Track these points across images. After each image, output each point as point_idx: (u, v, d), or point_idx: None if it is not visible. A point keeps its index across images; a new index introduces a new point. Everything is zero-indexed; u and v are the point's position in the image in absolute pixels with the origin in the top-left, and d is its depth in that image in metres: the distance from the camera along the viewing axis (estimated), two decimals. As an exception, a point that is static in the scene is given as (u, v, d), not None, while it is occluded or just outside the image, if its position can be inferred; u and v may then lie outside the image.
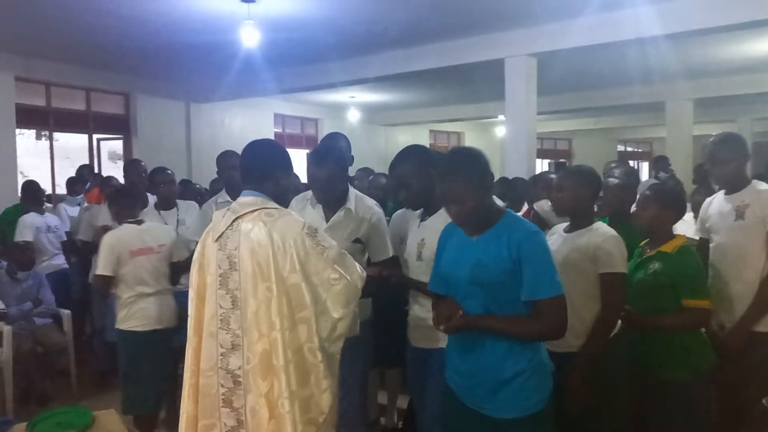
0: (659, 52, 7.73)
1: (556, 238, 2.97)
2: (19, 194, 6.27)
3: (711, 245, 3.27)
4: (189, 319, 2.42)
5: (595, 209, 3.69)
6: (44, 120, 9.23)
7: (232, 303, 2.29)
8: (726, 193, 3.26)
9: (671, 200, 3.00)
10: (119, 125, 10.13)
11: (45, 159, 17.03)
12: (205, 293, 2.37)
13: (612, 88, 11.56)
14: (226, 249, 2.32)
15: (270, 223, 2.26)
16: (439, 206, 2.71)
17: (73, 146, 14.69)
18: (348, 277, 2.29)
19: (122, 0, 5.93)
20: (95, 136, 10.03)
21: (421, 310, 2.85)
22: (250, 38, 6.27)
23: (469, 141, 18.21)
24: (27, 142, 12.22)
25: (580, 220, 2.88)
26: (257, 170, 2.42)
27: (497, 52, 7.31)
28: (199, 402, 2.32)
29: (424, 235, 2.80)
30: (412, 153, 2.93)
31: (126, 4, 6.03)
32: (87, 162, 9.06)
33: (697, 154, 16.07)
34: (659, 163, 7.66)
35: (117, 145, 10.90)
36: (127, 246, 3.72)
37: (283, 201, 2.48)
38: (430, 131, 17.19)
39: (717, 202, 3.31)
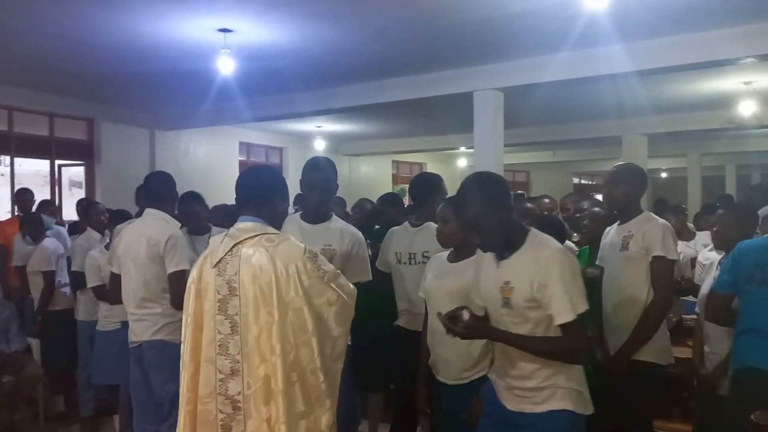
0: (618, 89, 8.10)
1: (437, 265, 3.00)
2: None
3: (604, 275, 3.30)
4: (183, 345, 2.41)
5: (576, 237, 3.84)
6: (6, 145, 9.03)
7: (231, 328, 2.30)
8: (618, 224, 3.28)
9: (553, 230, 3.05)
10: (82, 151, 9.95)
11: (-3, 185, 16.53)
12: (203, 319, 2.37)
13: (571, 123, 11.96)
14: (226, 274, 2.33)
15: (271, 249, 2.29)
16: (521, 242, 2.37)
17: (25, 172, 14.31)
18: (344, 296, 2.35)
19: (94, 27, 5.90)
20: (57, 162, 9.83)
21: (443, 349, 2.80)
22: (225, 67, 6.32)
23: (432, 171, 18.44)
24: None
25: (466, 249, 2.82)
26: (257, 196, 2.45)
27: (466, 85, 7.52)
28: (197, 429, 2.31)
29: (510, 276, 2.35)
30: (478, 189, 2.42)
31: (98, 31, 6.01)
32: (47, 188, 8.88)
33: (651, 187, 16.67)
34: None
35: (77, 172, 10.70)
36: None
37: (278, 226, 2.51)
38: (393, 161, 17.38)
39: (612, 233, 3.32)
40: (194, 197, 4.28)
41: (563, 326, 2.26)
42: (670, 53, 6.27)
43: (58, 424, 5.07)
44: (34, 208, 6.42)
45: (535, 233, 2.41)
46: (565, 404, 2.32)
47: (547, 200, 4.96)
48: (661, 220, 3.17)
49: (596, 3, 4.93)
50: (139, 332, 3.62)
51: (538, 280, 2.27)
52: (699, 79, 8.22)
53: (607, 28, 5.66)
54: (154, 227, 3.66)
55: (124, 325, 3.92)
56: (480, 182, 2.44)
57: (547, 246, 2.35)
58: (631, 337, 3.03)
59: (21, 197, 6.56)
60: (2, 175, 15.89)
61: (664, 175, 20.70)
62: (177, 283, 3.45)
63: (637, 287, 3.07)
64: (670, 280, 3.08)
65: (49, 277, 5.21)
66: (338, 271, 2.42)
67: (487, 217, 2.34)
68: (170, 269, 3.56)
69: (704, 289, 3.27)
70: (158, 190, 3.80)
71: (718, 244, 3.37)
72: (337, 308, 2.33)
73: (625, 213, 3.22)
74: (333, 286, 2.33)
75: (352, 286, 2.45)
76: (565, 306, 2.24)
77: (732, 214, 3.27)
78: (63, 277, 5.35)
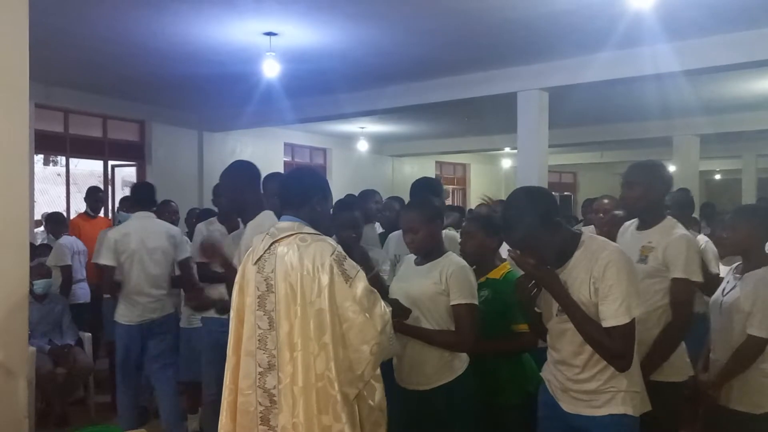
0: (668, 88, 7.92)
1: (404, 268, 3.01)
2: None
3: None
4: (228, 338, 2.50)
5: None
6: (61, 146, 9.39)
7: (269, 324, 2.36)
8: (637, 228, 2.96)
9: (494, 228, 3.05)
10: (134, 152, 10.28)
11: (52, 184, 17.19)
12: (244, 314, 2.45)
13: (620, 123, 11.75)
14: (264, 272, 2.40)
15: (303, 248, 2.34)
16: (574, 249, 2.33)
17: (80, 173, 14.83)
18: (366, 314, 2.31)
19: (146, 31, 6.11)
20: (110, 163, 10.17)
21: (415, 350, 2.79)
22: (271, 70, 6.45)
23: (475, 172, 18.36)
24: (35, 168, 12.28)
25: (434, 253, 2.87)
26: (296, 196, 2.51)
27: (510, 85, 7.49)
28: (237, 419, 2.39)
29: (566, 281, 2.32)
30: (523, 209, 2.36)
31: (150, 35, 6.21)
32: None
33: (703, 189, 16.22)
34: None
35: (129, 172, 11.05)
36: None
37: (319, 226, 2.55)
38: (436, 162, 17.37)
39: (629, 236, 3.01)
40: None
41: (613, 329, 2.19)
42: (720, 52, 6.11)
43: (107, 415, 5.23)
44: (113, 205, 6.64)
45: (588, 237, 2.37)
46: (626, 409, 2.26)
47: (606, 200, 4.40)
48: (685, 233, 2.83)
49: (641, 1, 4.85)
50: (158, 310, 4.39)
51: (594, 285, 2.24)
52: (753, 78, 7.99)
53: (654, 26, 5.56)
54: (163, 225, 4.58)
55: (205, 321, 4.13)
56: (525, 200, 2.37)
57: (603, 248, 2.29)
58: (644, 360, 2.67)
59: (93, 196, 6.69)
60: (58, 175, 16.50)
61: (717, 177, 20.17)
62: (188, 267, 4.45)
63: (653, 304, 2.77)
64: (691, 303, 2.80)
65: (66, 271, 5.60)
66: (372, 289, 2.38)
67: (537, 236, 2.29)
68: (184, 255, 4.49)
69: (715, 295, 3.04)
70: (149, 197, 4.62)
71: (733, 250, 3.10)
72: (357, 325, 2.29)
73: (646, 218, 2.91)
74: (358, 299, 2.29)
75: (384, 309, 2.38)
76: (618, 309, 2.18)
77: (742, 218, 2.99)
78: (80, 273, 5.86)
